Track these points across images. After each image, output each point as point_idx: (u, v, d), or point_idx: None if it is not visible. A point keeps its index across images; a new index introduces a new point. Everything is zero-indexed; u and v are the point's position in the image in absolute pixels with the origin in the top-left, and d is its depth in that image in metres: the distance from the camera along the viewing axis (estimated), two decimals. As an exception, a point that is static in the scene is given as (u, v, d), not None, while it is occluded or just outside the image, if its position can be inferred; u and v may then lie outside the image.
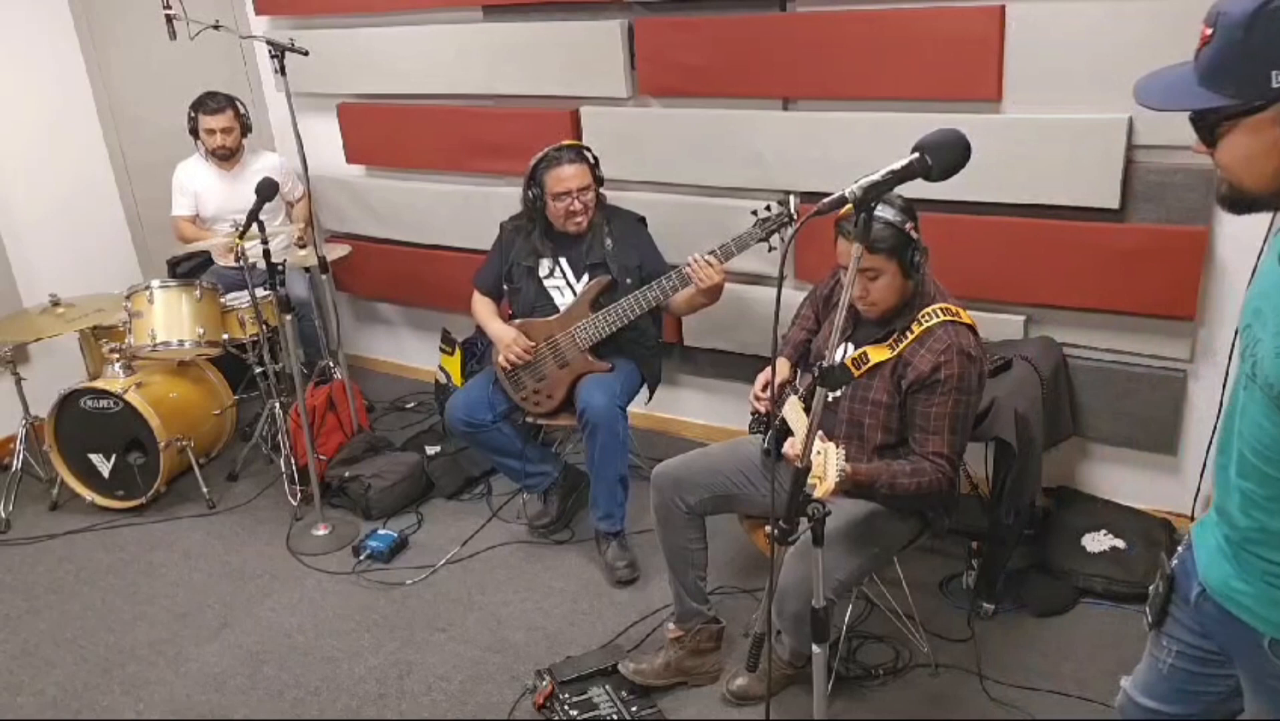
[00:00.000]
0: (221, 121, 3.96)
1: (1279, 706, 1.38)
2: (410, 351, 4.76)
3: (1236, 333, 1.44)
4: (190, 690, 2.81)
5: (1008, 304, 3.08)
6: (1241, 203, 1.27)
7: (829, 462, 1.85)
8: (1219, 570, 1.43)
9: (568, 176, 3.06)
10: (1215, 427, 1.48)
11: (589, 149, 3.15)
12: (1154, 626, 1.59)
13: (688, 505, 2.54)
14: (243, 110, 4.05)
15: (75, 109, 4.50)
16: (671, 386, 3.88)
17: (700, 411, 3.98)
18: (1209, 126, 1.23)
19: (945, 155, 1.57)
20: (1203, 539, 1.49)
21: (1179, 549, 1.57)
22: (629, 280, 3.12)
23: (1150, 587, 1.60)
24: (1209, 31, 1.19)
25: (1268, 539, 1.33)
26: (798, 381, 2.56)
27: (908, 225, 2.18)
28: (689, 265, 2.91)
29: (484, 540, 3.40)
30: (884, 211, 2.14)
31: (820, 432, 1.85)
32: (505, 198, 3.50)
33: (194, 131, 4.03)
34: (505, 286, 3.31)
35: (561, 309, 3.19)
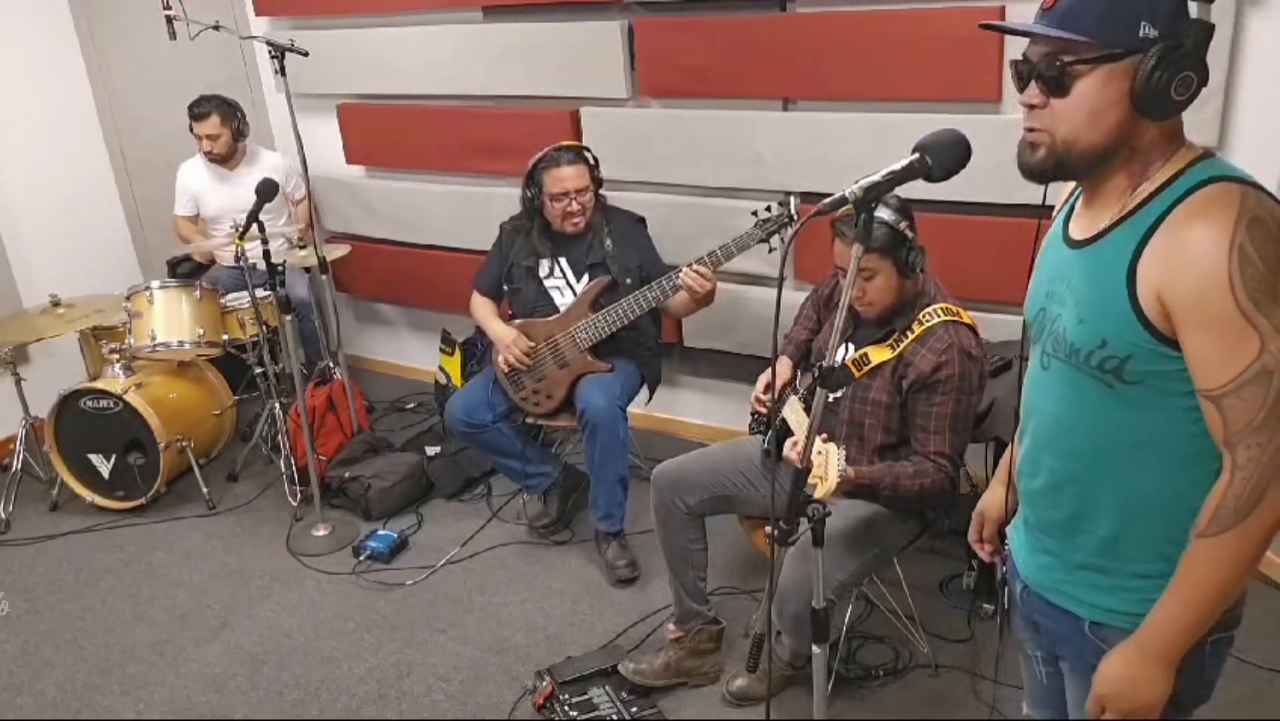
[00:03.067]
0: (206, 128, 3.95)
1: None
2: (410, 352, 4.76)
3: (1024, 329, 1.46)
4: (190, 690, 2.81)
5: (1008, 304, 3.07)
6: (1064, 165, 1.26)
7: (830, 463, 1.85)
8: (1037, 563, 1.46)
9: (565, 177, 3.05)
10: (1013, 437, 1.55)
11: (589, 150, 3.15)
12: (1011, 630, 1.62)
13: (688, 506, 2.54)
14: (236, 115, 4.00)
15: (75, 109, 4.50)
16: (671, 387, 3.88)
17: (700, 412, 3.98)
18: (1062, 69, 1.22)
19: (945, 155, 1.57)
20: (1017, 541, 1.52)
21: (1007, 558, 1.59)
22: (629, 280, 3.12)
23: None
24: None
25: (1085, 514, 1.35)
26: (798, 382, 2.56)
27: (902, 224, 2.18)
28: (682, 278, 2.91)
29: (484, 540, 3.40)
30: (879, 211, 2.14)
31: (822, 434, 1.85)
32: (505, 198, 3.50)
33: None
34: (505, 286, 3.31)
35: (561, 309, 3.19)
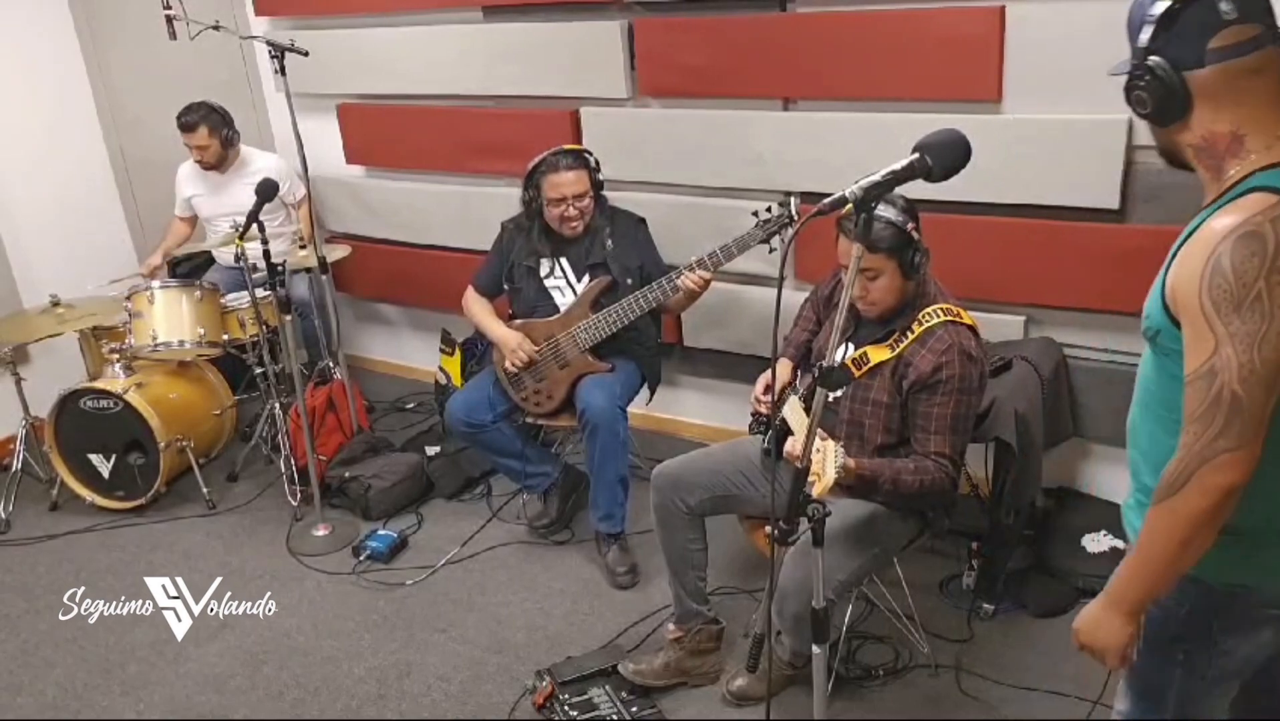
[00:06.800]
0: (195, 140, 3.91)
1: None
2: (410, 352, 4.76)
3: None
4: (190, 690, 2.81)
5: (1008, 304, 3.08)
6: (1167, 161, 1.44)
7: (827, 460, 1.85)
8: (1133, 529, 1.57)
9: (564, 183, 3.05)
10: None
11: (590, 152, 3.15)
12: None
13: (688, 506, 2.54)
14: (224, 124, 3.94)
15: (75, 109, 4.50)
16: (671, 387, 3.88)
17: (700, 412, 3.98)
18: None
19: (945, 155, 1.57)
20: (1126, 512, 1.63)
21: None
22: (629, 281, 3.12)
23: None
24: None
25: (1141, 459, 1.49)
26: (798, 382, 2.56)
27: (909, 225, 2.18)
28: (682, 280, 2.92)
29: (484, 540, 3.40)
30: (885, 211, 2.14)
31: (820, 430, 1.85)
32: (505, 198, 3.50)
33: None
34: (506, 286, 3.31)
35: (562, 309, 3.19)
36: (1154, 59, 1.33)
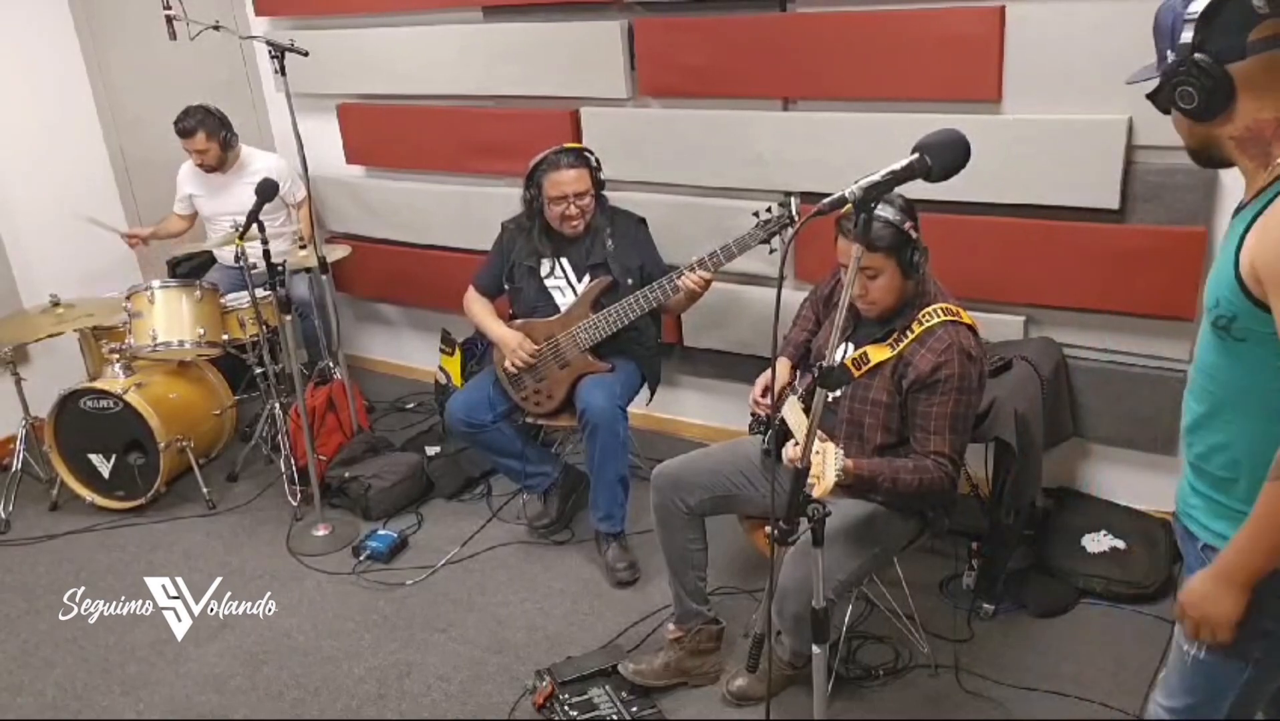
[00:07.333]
0: (193, 145, 3.91)
1: None
2: (410, 352, 4.76)
3: None
4: (190, 690, 2.81)
5: (1007, 304, 3.08)
6: (1197, 161, 1.51)
7: (827, 462, 1.85)
8: (1182, 491, 1.60)
9: (565, 181, 3.05)
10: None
11: (590, 151, 3.15)
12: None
13: (688, 506, 2.54)
14: (222, 128, 3.93)
15: (75, 109, 4.50)
16: (671, 387, 3.88)
17: (700, 412, 3.98)
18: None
19: (945, 155, 1.57)
20: (1189, 509, 1.62)
21: None
22: (630, 281, 3.12)
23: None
24: None
25: (1210, 453, 1.51)
26: (798, 382, 2.56)
27: (907, 224, 2.18)
28: (682, 281, 2.92)
29: (484, 540, 3.40)
30: (883, 210, 2.14)
31: (820, 432, 1.85)
32: (505, 198, 3.50)
33: None
34: (506, 286, 3.31)
35: (562, 309, 3.19)
36: (1198, 55, 1.36)
